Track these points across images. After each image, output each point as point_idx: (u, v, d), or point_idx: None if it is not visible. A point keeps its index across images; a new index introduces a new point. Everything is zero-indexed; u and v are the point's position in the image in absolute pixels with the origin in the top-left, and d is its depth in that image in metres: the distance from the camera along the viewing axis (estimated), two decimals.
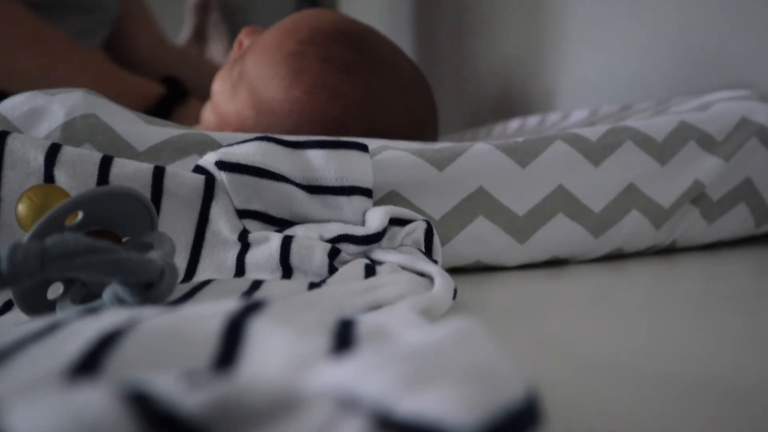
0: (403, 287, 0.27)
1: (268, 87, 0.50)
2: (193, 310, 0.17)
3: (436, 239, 0.36)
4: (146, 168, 0.34)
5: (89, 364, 0.14)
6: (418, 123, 0.53)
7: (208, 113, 0.57)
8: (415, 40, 1.23)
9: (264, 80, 0.51)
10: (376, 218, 0.34)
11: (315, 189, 0.35)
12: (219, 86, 0.55)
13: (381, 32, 0.57)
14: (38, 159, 0.32)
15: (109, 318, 0.17)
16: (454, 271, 0.39)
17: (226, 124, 0.53)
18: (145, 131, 0.37)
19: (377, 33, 0.55)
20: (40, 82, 0.69)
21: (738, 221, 0.45)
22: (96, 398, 0.11)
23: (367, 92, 0.50)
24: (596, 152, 0.41)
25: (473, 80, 1.08)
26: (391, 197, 0.38)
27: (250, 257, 0.33)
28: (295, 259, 0.32)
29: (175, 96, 0.78)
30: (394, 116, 0.51)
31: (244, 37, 0.56)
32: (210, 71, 0.72)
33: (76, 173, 0.33)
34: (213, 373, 0.15)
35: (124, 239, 0.28)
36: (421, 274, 0.31)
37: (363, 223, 0.36)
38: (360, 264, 0.31)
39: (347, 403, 0.12)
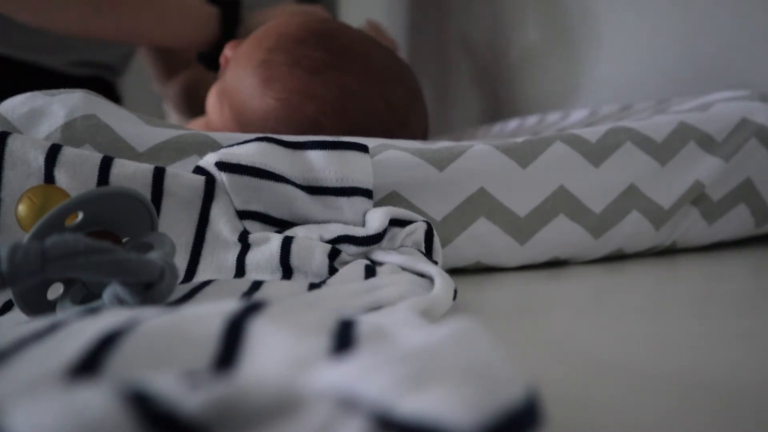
0: (403, 288, 0.27)
1: (244, 98, 0.51)
2: (193, 310, 0.17)
3: (436, 240, 0.36)
4: (146, 168, 0.34)
5: (89, 364, 0.14)
6: (398, 113, 0.53)
7: (203, 129, 0.57)
8: (420, 38, 1.23)
9: (239, 92, 0.51)
10: (376, 219, 0.34)
11: (315, 190, 0.35)
12: (211, 102, 0.55)
13: (352, 27, 0.56)
14: (39, 159, 0.33)
15: (109, 318, 0.17)
16: (454, 271, 0.39)
17: None
18: (146, 132, 0.37)
19: (348, 29, 0.55)
20: None
21: (738, 222, 0.45)
22: (96, 398, 0.11)
23: (338, 90, 0.50)
24: (596, 153, 0.41)
25: (481, 78, 1.08)
26: (391, 198, 0.38)
27: (251, 258, 0.33)
28: (295, 259, 0.32)
29: (230, 17, 0.70)
30: (369, 109, 0.51)
31: (228, 51, 0.56)
32: None
33: (76, 174, 0.33)
34: (213, 374, 0.15)
35: (124, 240, 0.28)
36: (422, 275, 0.31)
37: (363, 223, 0.36)
38: (360, 265, 0.31)
39: (347, 404, 0.12)
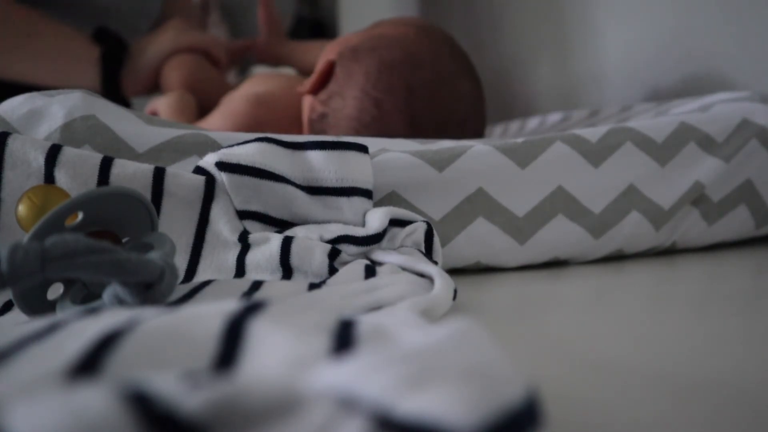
0: (403, 288, 0.27)
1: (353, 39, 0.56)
2: (193, 310, 0.17)
3: (436, 240, 0.36)
4: (146, 169, 0.34)
5: (89, 364, 0.14)
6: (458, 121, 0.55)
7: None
8: None
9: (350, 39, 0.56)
10: (376, 219, 0.34)
11: (315, 190, 0.35)
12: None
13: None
14: (39, 160, 0.33)
15: (109, 318, 0.17)
16: (454, 272, 0.39)
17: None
18: (145, 132, 0.37)
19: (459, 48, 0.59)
20: None
21: (738, 223, 0.45)
22: (96, 398, 0.11)
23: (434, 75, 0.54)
24: (596, 153, 0.41)
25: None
26: (391, 198, 0.38)
27: (251, 258, 0.33)
28: (295, 259, 0.32)
29: (114, 55, 0.70)
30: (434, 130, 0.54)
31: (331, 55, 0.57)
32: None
33: (76, 174, 0.33)
34: (213, 374, 0.15)
35: (125, 240, 0.28)
36: (421, 275, 0.31)
37: (363, 223, 0.36)
38: (360, 265, 0.31)
39: (347, 404, 0.12)
